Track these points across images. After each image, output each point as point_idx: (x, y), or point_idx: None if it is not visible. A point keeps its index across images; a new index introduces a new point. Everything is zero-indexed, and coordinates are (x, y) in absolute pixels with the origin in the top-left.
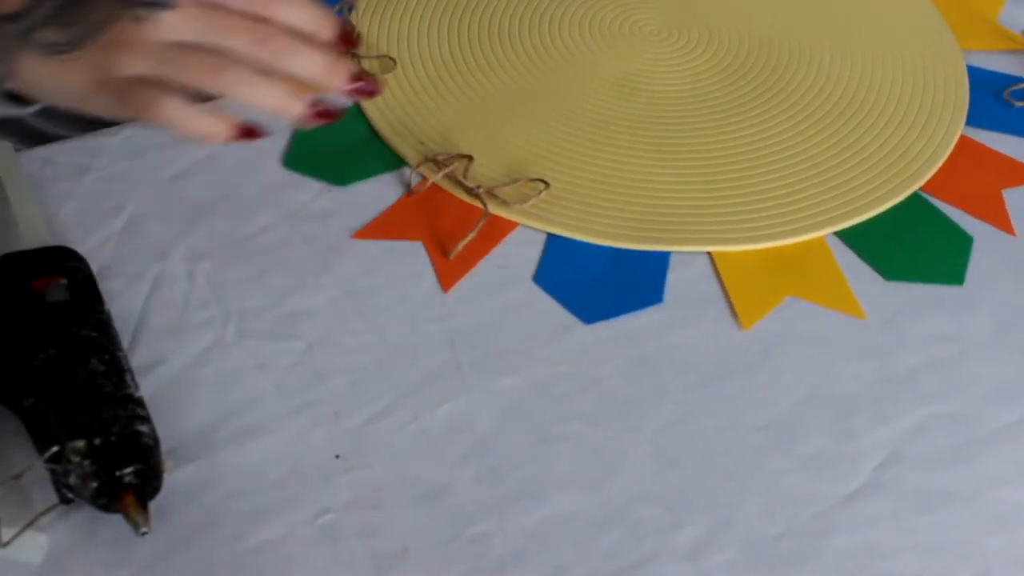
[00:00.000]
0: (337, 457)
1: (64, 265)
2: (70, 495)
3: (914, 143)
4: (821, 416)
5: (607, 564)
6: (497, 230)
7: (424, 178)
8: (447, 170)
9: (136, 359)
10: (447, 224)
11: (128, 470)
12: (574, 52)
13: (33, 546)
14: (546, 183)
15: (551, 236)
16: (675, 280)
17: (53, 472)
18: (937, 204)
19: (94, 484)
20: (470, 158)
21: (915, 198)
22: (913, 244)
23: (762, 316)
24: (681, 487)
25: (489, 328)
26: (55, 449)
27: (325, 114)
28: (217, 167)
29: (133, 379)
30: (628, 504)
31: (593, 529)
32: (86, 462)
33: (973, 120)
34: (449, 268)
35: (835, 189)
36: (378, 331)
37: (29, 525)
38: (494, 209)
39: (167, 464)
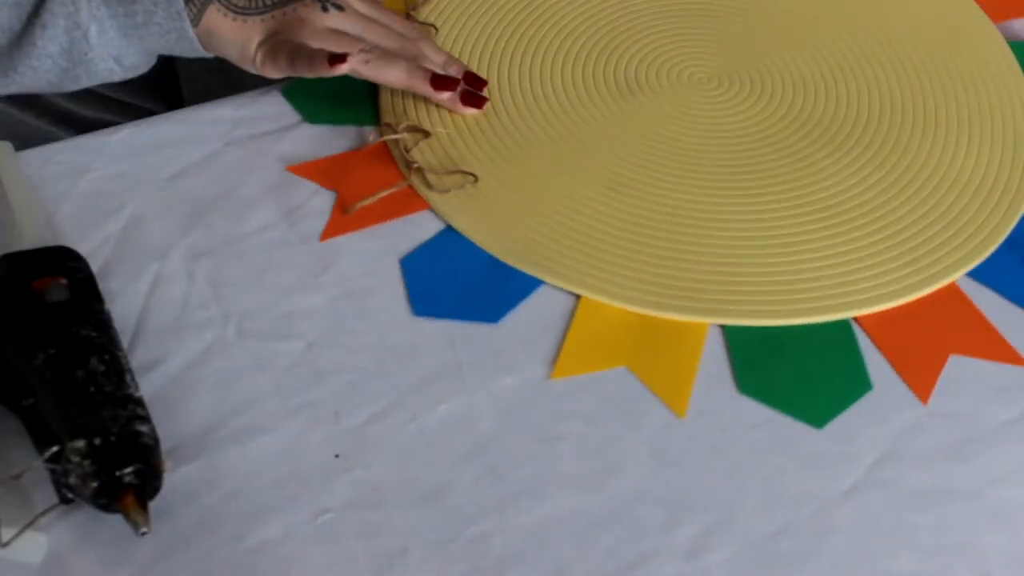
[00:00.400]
0: (337, 457)
1: (64, 265)
2: (70, 495)
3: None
4: None
5: (607, 563)
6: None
7: (381, 139)
8: (394, 136)
9: (136, 359)
10: (367, 186)
11: (128, 470)
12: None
13: (33, 546)
14: (475, 176)
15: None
16: None
17: (53, 472)
18: None
19: (94, 484)
20: (425, 134)
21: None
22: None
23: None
24: (680, 486)
25: (489, 328)
26: (55, 449)
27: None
28: (217, 167)
29: (133, 379)
30: (627, 504)
31: (593, 529)
32: (86, 462)
33: None
34: (340, 222)
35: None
36: (378, 331)
37: (29, 525)
38: (418, 184)
39: (167, 464)
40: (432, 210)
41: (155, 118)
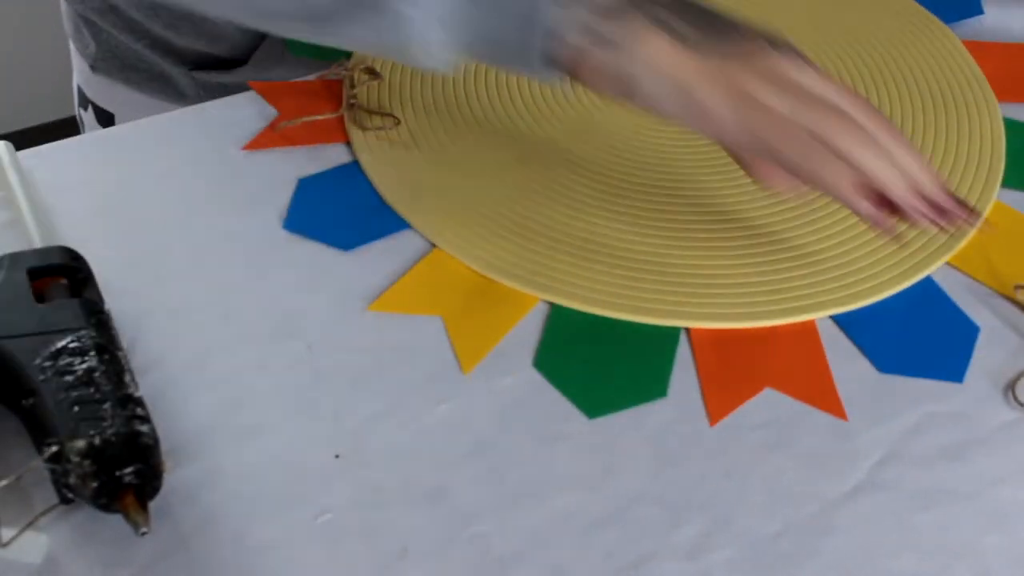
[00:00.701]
0: (337, 457)
1: (64, 265)
2: (70, 495)
3: None
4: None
5: (607, 564)
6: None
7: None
8: (344, 72)
9: (136, 359)
10: (305, 111)
11: (128, 470)
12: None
13: (33, 546)
14: (396, 120)
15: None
16: None
17: (53, 472)
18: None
19: (94, 484)
20: (378, 76)
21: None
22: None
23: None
24: (680, 486)
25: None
26: (55, 449)
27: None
28: (217, 167)
29: (133, 379)
30: (627, 504)
31: (593, 529)
32: (86, 462)
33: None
34: (266, 137)
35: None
36: (378, 331)
37: (29, 525)
38: (348, 120)
39: (167, 464)
40: (348, 144)
41: (155, 117)
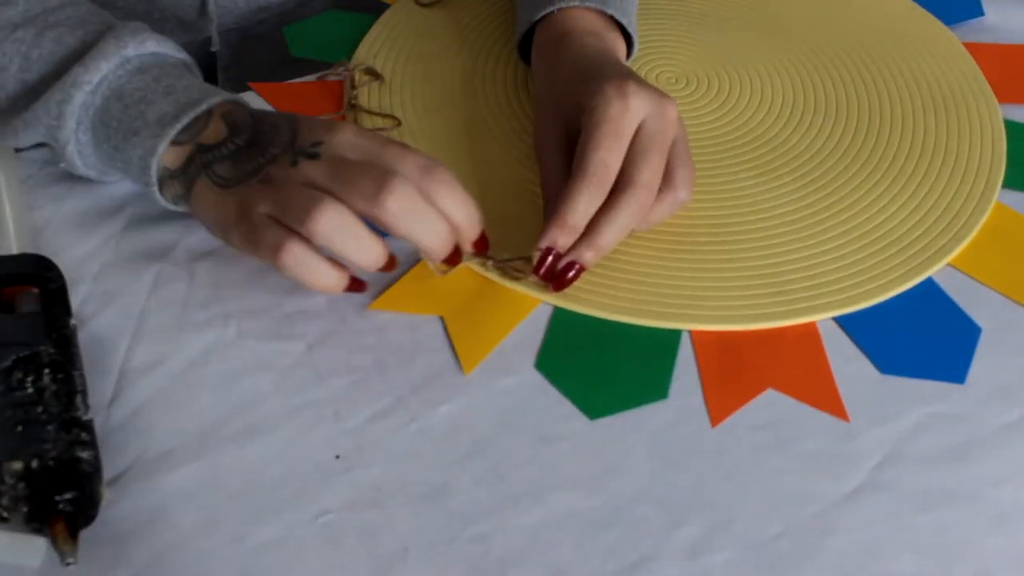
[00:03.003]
0: (337, 457)
1: (37, 274)
2: (4, 514)
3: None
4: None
5: (607, 564)
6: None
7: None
8: (344, 72)
9: (136, 359)
10: (308, 111)
11: (61, 497)
12: None
13: (31, 549)
14: (399, 121)
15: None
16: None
17: None
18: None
19: (25, 509)
20: (379, 77)
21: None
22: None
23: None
24: (681, 487)
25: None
26: None
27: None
28: None
29: (84, 401)
30: (628, 504)
31: (593, 529)
32: (20, 485)
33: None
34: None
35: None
36: (378, 331)
37: None
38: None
39: (105, 494)
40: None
41: None
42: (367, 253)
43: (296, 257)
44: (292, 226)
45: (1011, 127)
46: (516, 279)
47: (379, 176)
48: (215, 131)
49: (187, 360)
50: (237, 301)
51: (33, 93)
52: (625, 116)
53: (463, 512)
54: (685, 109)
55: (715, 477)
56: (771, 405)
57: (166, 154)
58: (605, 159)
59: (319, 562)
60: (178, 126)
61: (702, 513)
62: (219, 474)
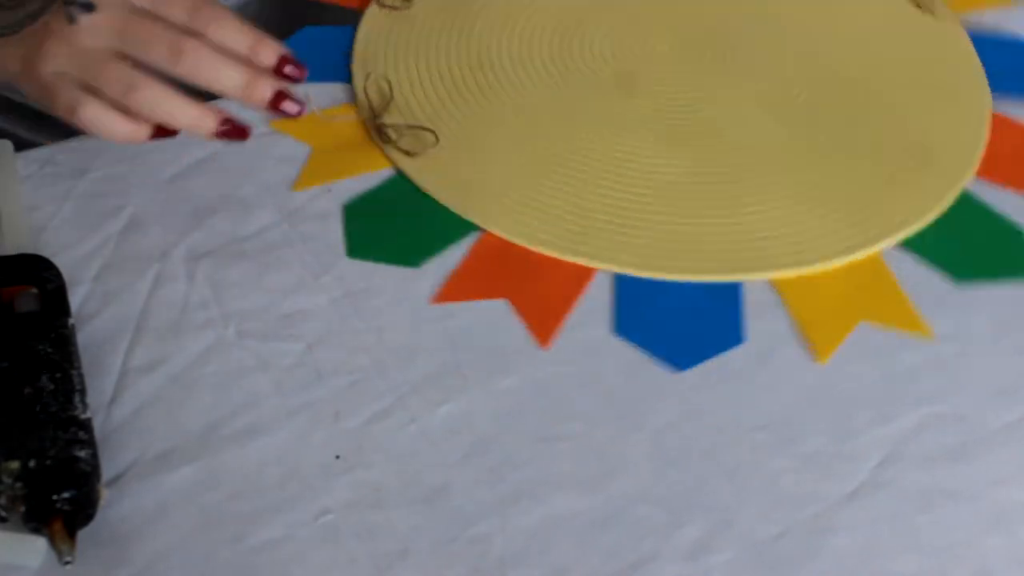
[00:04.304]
0: (337, 457)
1: (36, 274)
2: (3, 513)
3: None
4: (821, 415)
5: (607, 564)
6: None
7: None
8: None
9: (136, 359)
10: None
11: (59, 496)
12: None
13: (31, 550)
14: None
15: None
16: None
17: None
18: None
19: (23, 508)
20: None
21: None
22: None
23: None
24: (681, 487)
25: (489, 329)
26: None
27: (236, 131)
28: (217, 167)
29: (83, 400)
30: (628, 504)
31: (593, 529)
32: (18, 484)
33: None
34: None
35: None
36: (378, 331)
37: None
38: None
39: (104, 493)
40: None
41: None
42: (185, 112)
43: (96, 111)
44: (107, 91)
45: None
46: (386, 142)
47: (174, 38)
48: None
49: (187, 360)
50: (237, 301)
51: None
52: None
53: (463, 512)
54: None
55: (715, 477)
56: (771, 402)
57: None
58: None
59: (319, 562)
60: None
61: (702, 513)
62: (219, 474)
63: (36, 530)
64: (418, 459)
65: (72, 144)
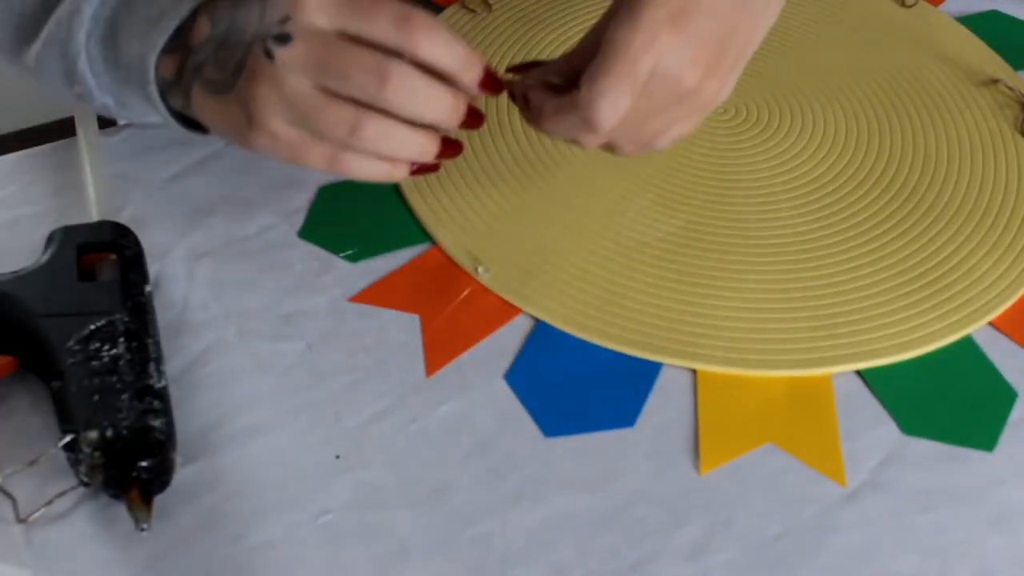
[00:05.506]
0: (337, 457)
1: (115, 241)
2: (86, 479)
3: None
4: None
5: (607, 564)
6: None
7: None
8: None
9: None
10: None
11: (135, 465)
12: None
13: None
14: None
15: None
16: None
17: (69, 459)
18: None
19: (101, 477)
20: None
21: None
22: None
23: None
24: (681, 487)
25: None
26: (69, 438)
27: (454, 150)
28: (217, 167)
29: (158, 368)
30: (628, 504)
31: (593, 529)
32: (96, 453)
33: None
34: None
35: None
36: (378, 331)
37: (47, 504)
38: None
39: (177, 459)
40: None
41: None
42: (377, 168)
43: (350, 169)
44: (332, 138)
45: None
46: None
47: (375, 66)
48: (201, 28)
49: (187, 360)
50: (237, 301)
51: (45, 9)
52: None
53: (463, 512)
54: (730, 138)
55: (715, 477)
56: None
57: (163, 63)
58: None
59: (319, 562)
60: (166, 26)
61: (702, 513)
62: (219, 474)
63: (115, 496)
64: (418, 460)
65: (72, 144)
